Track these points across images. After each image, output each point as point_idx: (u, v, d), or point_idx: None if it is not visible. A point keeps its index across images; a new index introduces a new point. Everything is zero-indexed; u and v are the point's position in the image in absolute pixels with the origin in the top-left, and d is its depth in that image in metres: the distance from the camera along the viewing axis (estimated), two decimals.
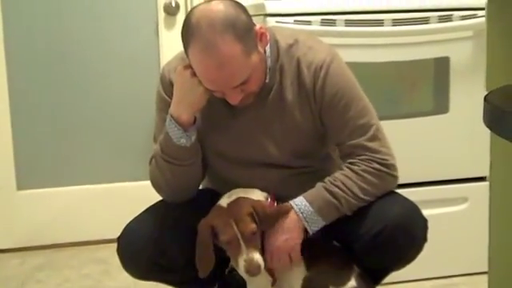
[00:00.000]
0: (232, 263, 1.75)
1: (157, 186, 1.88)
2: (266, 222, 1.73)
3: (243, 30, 1.65)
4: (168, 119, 1.76)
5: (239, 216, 1.70)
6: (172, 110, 1.76)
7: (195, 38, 1.64)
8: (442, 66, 2.49)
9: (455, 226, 2.56)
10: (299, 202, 1.76)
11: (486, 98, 0.96)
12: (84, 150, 3.14)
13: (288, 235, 1.75)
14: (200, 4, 1.73)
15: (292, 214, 1.75)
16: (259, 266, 1.68)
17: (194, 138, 1.78)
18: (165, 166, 1.80)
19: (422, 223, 1.80)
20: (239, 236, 1.68)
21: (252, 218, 1.70)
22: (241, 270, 1.69)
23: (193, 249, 1.77)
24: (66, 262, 2.97)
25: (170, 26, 3.06)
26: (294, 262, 1.76)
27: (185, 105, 1.75)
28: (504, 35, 1.25)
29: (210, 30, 1.62)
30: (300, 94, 1.79)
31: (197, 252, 1.75)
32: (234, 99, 1.72)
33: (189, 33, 1.66)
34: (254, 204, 1.74)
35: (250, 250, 1.68)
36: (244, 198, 1.76)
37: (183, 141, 1.76)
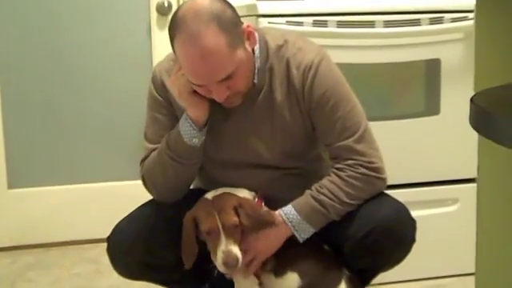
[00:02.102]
0: (212, 257, 1.74)
1: (151, 185, 1.88)
2: (253, 221, 1.74)
3: (228, 23, 1.66)
4: (183, 118, 1.78)
5: (223, 207, 1.71)
6: (187, 111, 1.78)
7: (180, 30, 1.65)
8: (433, 67, 2.50)
9: (446, 227, 2.56)
10: (288, 211, 1.77)
11: (472, 100, 0.96)
12: (75, 149, 3.14)
13: (269, 241, 1.76)
14: (188, 0, 1.74)
15: (281, 223, 1.77)
16: (237, 259, 1.68)
17: (203, 138, 1.80)
18: (170, 163, 1.81)
19: (410, 224, 1.81)
20: (220, 227, 1.69)
21: (236, 212, 1.72)
22: (218, 262, 1.69)
23: None
24: (57, 261, 2.96)
25: (162, 26, 3.05)
26: (251, 267, 1.77)
27: (191, 106, 1.77)
28: (493, 37, 1.26)
29: (195, 20, 1.63)
30: (289, 95, 1.80)
31: (182, 244, 1.76)
32: (220, 96, 1.72)
33: (174, 26, 1.67)
34: (241, 200, 1.75)
35: (230, 242, 1.69)
36: (230, 193, 1.78)
37: (195, 140, 1.78)
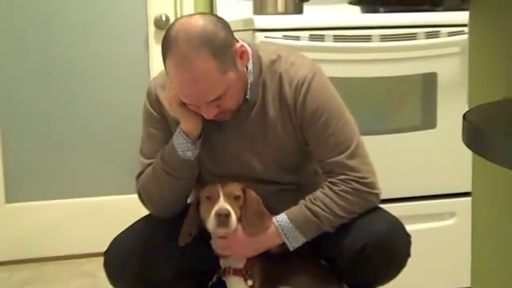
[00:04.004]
0: (205, 222, 1.76)
1: (147, 199, 1.88)
2: (252, 210, 1.76)
3: (220, 47, 1.65)
4: (177, 132, 1.79)
5: (228, 183, 1.76)
6: (180, 124, 1.79)
7: (172, 51, 1.65)
8: (429, 81, 2.50)
9: (443, 241, 2.56)
10: (281, 219, 1.77)
11: (464, 117, 0.96)
12: (72, 163, 3.14)
13: (255, 243, 1.77)
14: (183, 16, 1.75)
15: (272, 229, 1.77)
16: (228, 212, 1.70)
17: (197, 152, 1.80)
18: (164, 177, 1.81)
19: (405, 239, 1.80)
20: (221, 193, 1.73)
21: (242, 190, 1.77)
22: (211, 217, 1.71)
23: (180, 262, 1.78)
24: (54, 275, 2.96)
25: (159, 39, 3.00)
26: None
27: (183, 119, 1.77)
28: (486, 52, 1.26)
29: (186, 44, 1.63)
30: (282, 110, 1.80)
31: (184, 222, 1.81)
32: (209, 114, 1.73)
33: (167, 45, 1.67)
34: (247, 189, 1.79)
35: (226, 202, 1.73)
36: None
37: (189, 154, 1.78)
